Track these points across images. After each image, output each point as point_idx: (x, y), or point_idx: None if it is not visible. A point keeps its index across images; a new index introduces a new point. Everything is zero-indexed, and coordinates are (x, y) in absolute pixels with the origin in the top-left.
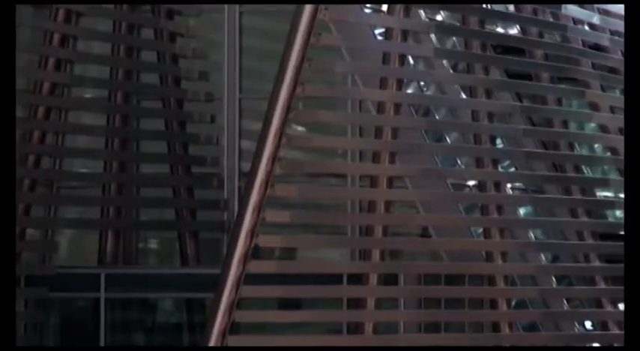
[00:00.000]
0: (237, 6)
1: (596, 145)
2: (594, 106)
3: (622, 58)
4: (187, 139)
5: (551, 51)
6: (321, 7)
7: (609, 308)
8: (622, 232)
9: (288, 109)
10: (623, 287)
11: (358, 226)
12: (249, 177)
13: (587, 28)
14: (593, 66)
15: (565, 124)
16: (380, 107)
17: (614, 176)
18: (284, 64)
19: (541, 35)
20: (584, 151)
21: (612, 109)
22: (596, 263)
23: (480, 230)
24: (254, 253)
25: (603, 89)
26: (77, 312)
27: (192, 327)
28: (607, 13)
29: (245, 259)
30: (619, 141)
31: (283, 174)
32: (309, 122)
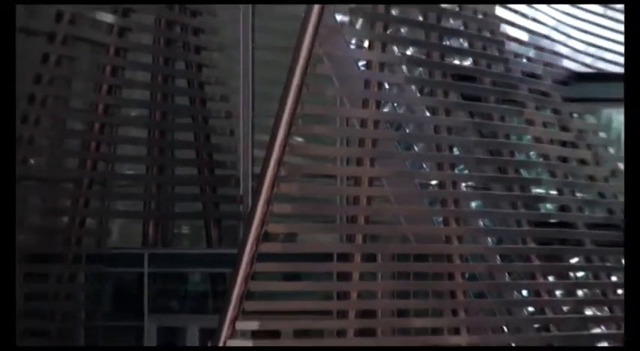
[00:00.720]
0: (250, 43)
1: (531, 153)
2: (530, 122)
3: (552, 84)
4: (211, 148)
5: (497, 79)
6: (317, 43)
7: (541, 280)
8: (552, 221)
9: (290, 124)
10: (552, 263)
11: (345, 215)
12: (260, 178)
13: (525, 60)
14: (530, 90)
15: (507, 136)
16: (362, 123)
17: (546, 177)
18: (287, 89)
19: (489, 66)
20: (522, 157)
21: (545, 124)
22: (532, 245)
23: (441, 219)
24: (264, 237)
25: (537, 108)
26: (126, 283)
27: (215, 295)
28: (541, 49)
29: (257, 241)
30: (550, 149)
31: (287, 175)
32: (307, 134)
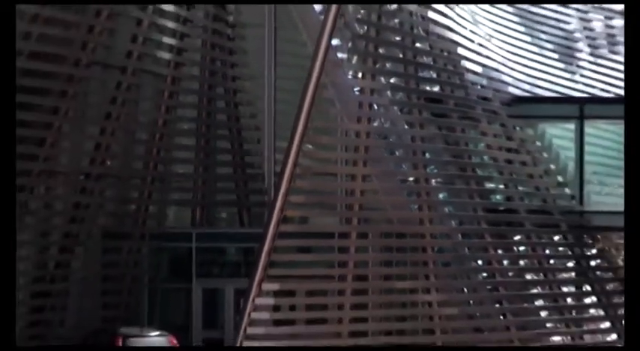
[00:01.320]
0: (273, 74)
1: (484, 157)
2: (483, 133)
3: (500, 105)
4: (243, 153)
5: (458, 101)
6: (323, 74)
7: (492, 252)
8: (501, 208)
9: (303, 135)
10: (500, 240)
11: (344, 204)
12: (280, 175)
13: (479, 87)
14: (483, 109)
15: (466, 144)
16: (357, 134)
17: (496, 175)
18: (301, 108)
19: (452, 91)
20: (478, 160)
21: (494, 135)
22: (484, 226)
23: (416, 206)
24: (283, 220)
25: (489, 123)
26: (179, 255)
27: (247, 263)
28: (491, 78)
29: (278, 223)
30: (499, 154)
31: (301, 174)
32: (316, 142)
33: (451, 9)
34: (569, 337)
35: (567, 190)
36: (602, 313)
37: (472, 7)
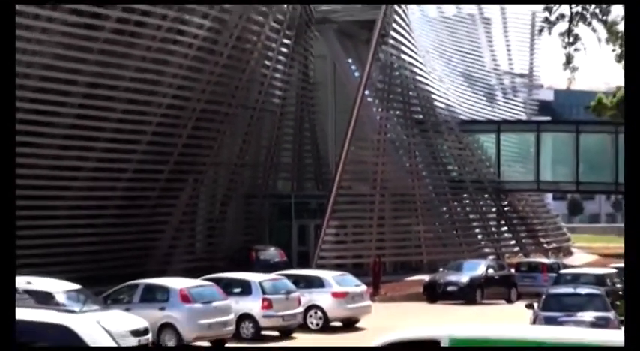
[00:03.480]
0: (334, 107)
1: (447, 153)
2: (446, 140)
3: (456, 125)
4: (319, 153)
5: (433, 122)
6: (360, 111)
7: (451, 203)
8: (456, 179)
9: (350, 142)
10: (455, 196)
11: (372, 178)
12: (337, 165)
13: (443, 114)
14: (446, 127)
15: (437, 146)
16: (378, 141)
17: (453, 162)
18: (348, 128)
19: (429, 117)
20: (443, 154)
21: (452, 141)
22: (447, 189)
23: (411, 180)
24: (339, 188)
25: (449, 135)
26: (285, 207)
27: (320, 211)
28: (450, 110)
29: (337, 189)
30: (455, 151)
31: (349, 163)
32: (356, 146)
33: (424, 68)
34: (493, 248)
35: (491, 170)
36: (508, 234)
37: (434, 63)
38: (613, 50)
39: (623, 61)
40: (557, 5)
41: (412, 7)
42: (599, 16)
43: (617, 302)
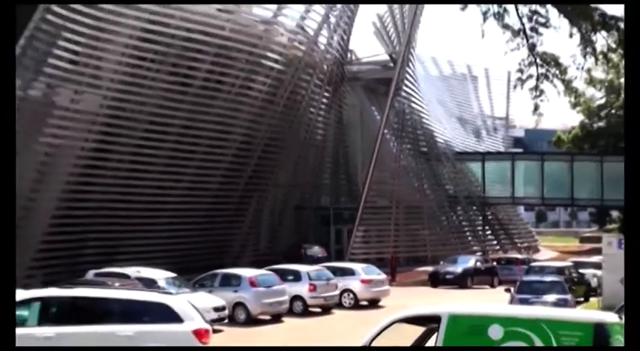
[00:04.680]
0: (360, 143)
1: (445, 175)
2: (444, 166)
3: (451, 154)
4: (350, 175)
5: (434, 152)
6: (380, 145)
7: (449, 212)
8: (451, 194)
9: (374, 167)
10: (451, 207)
11: (390, 194)
12: (363, 185)
13: (442, 146)
14: (443, 156)
15: (437, 170)
16: (394, 169)
17: (449, 182)
18: (372, 157)
19: (431, 148)
20: (442, 176)
21: (448, 167)
22: (445, 202)
23: (418, 195)
24: (365, 201)
25: (446, 162)
26: (325, 216)
27: (352, 219)
28: (447, 142)
29: (364, 203)
30: (450, 174)
31: (373, 184)
32: (379, 170)
33: (428, 113)
34: (479, 247)
35: (478, 188)
36: (491, 236)
37: (435, 109)
38: (569, 100)
39: (577, 108)
40: (527, 68)
41: (418, 67)
42: (559, 76)
43: (574, 287)
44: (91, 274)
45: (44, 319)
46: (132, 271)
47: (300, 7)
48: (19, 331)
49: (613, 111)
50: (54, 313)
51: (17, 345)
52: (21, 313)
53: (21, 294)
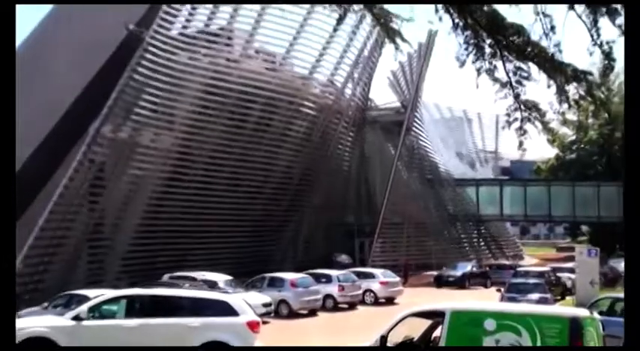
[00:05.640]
0: (379, 170)
1: (447, 198)
2: (445, 190)
3: (450, 180)
4: (371, 197)
5: (436, 179)
6: (395, 171)
7: (450, 227)
8: (451, 212)
9: (390, 190)
10: (452, 222)
11: (401, 213)
12: (382, 205)
13: (443, 173)
14: (445, 182)
15: (440, 194)
16: (404, 192)
17: (451, 203)
18: (387, 181)
19: (434, 175)
20: (445, 199)
21: (448, 191)
22: (447, 218)
23: (424, 215)
24: (383, 219)
25: (447, 187)
26: (350, 230)
27: (372, 232)
28: (447, 171)
29: (382, 219)
30: (450, 196)
31: (389, 203)
32: (395, 194)
33: (432, 148)
34: (475, 255)
35: (473, 208)
36: (484, 247)
37: (438, 144)
38: (547, 138)
39: (553, 144)
40: (513, 112)
41: (424, 112)
42: (539, 119)
43: (552, 288)
44: (166, 277)
45: (130, 312)
46: (198, 274)
47: (330, 65)
48: (110, 321)
49: (582, 145)
50: (137, 308)
51: (109, 334)
52: (111, 307)
53: (111, 293)
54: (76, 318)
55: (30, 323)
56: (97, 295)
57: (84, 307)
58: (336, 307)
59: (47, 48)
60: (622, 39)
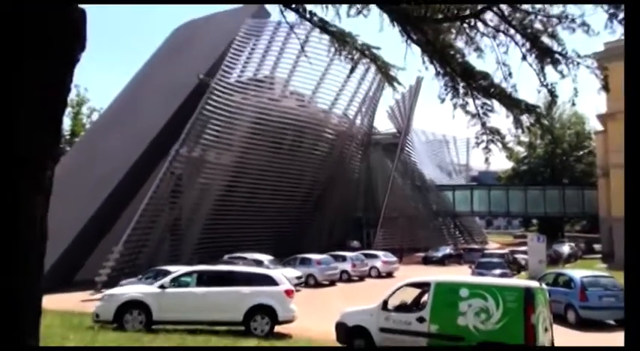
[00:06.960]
0: (381, 182)
1: (432, 201)
2: (430, 195)
3: (434, 187)
4: (375, 201)
5: (424, 187)
6: (390, 183)
7: (435, 222)
8: (435, 210)
9: (389, 194)
10: (436, 217)
11: (400, 211)
12: (382, 205)
13: (428, 181)
14: (430, 189)
15: (427, 198)
16: (401, 196)
17: (435, 204)
18: (385, 188)
19: (423, 185)
20: (431, 201)
21: (433, 196)
22: (432, 215)
23: (417, 213)
24: (384, 216)
25: (432, 192)
26: (358, 222)
27: (376, 223)
28: (432, 180)
29: (383, 214)
30: (434, 199)
31: (387, 205)
32: (394, 198)
33: (420, 162)
34: (452, 242)
35: (450, 206)
36: (459, 235)
37: (424, 160)
38: (505, 155)
39: (510, 159)
40: (481, 136)
41: (414, 136)
42: (500, 141)
43: (510, 265)
44: (225, 257)
45: (199, 282)
46: (249, 255)
47: (345, 102)
48: (185, 289)
49: (532, 160)
50: (205, 279)
51: (184, 298)
52: (186, 279)
53: (186, 268)
54: (161, 287)
55: (129, 290)
56: (176, 270)
57: (167, 279)
58: (349, 280)
59: (143, 90)
60: (562, 81)
